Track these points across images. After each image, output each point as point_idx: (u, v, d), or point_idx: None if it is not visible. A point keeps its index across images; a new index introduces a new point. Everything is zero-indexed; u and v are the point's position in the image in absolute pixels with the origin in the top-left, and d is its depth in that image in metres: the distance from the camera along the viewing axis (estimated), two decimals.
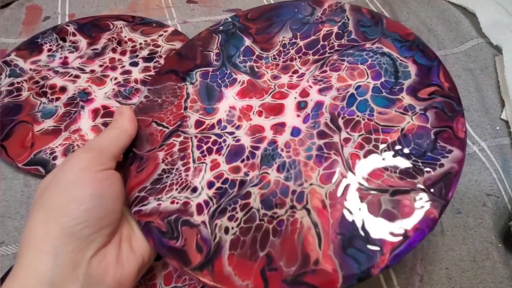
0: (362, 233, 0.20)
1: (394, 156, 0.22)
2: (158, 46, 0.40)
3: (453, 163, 0.21)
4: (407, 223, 0.20)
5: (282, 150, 0.25)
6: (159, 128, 0.27)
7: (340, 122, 0.25)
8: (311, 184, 0.23)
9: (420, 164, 0.22)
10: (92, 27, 0.42)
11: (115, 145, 0.25)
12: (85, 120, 0.34)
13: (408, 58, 0.26)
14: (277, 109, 0.27)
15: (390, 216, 0.21)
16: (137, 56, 0.39)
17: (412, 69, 0.26)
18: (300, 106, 0.26)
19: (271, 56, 0.29)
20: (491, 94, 0.40)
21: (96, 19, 0.43)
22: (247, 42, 0.31)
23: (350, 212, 0.21)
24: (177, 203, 0.24)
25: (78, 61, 0.39)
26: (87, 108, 0.35)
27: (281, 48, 0.30)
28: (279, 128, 0.26)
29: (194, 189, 0.24)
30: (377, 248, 0.20)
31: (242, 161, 0.25)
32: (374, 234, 0.20)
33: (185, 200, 0.24)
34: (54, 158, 0.32)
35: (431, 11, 0.48)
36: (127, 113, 0.27)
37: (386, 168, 0.22)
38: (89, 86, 0.37)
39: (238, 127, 0.26)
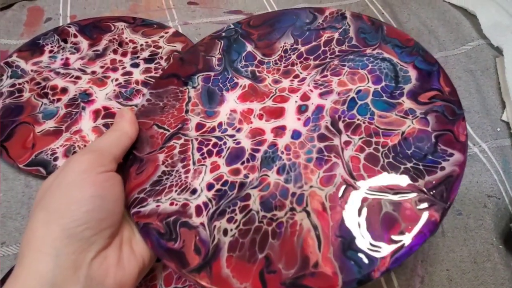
0: (362, 236, 0.20)
1: (394, 159, 0.23)
2: (159, 47, 0.41)
3: (454, 166, 0.21)
4: (408, 226, 0.20)
5: (282, 152, 0.25)
6: (160, 131, 0.27)
7: (341, 125, 0.25)
8: (311, 187, 0.23)
9: (421, 167, 0.22)
10: (93, 29, 0.42)
11: (116, 147, 0.25)
12: (86, 121, 0.34)
13: (409, 63, 0.27)
14: (278, 113, 0.27)
15: (391, 219, 0.20)
16: (138, 57, 0.40)
17: (413, 74, 0.26)
18: (301, 109, 0.26)
19: (272, 61, 0.30)
20: (492, 96, 0.40)
21: (97, 21, 0.43)
22: (249, 47, 0.31)
23: (351, 215, 0.21)
24: (176, 204, 0.24)
25: (79, 62, 0.39)
26: (88, 109, 0.35)
27: (282, 54, 0.30)
28: (279, 131, 0.26)
29: (194, 191, 0.24)
30: (378, 251, 0.20)
31: (242, 163, 0.25)
32: (374, 237, 0.20)
33: (184, 201, 0.24)
34: (55, 159, 0.32)
35: (432, 13, 0.48)
36: (128, 116, 0.27)
37: (387, 171, 0.22)
38: (90, 87, 0.37)
39: (238, 130, 0.26)
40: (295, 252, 0.21)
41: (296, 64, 0.29)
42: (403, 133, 0.23)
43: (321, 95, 0.27)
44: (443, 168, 0.21)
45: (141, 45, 0.41)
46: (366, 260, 0.20)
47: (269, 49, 0.30)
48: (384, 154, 0.23)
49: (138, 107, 0.29)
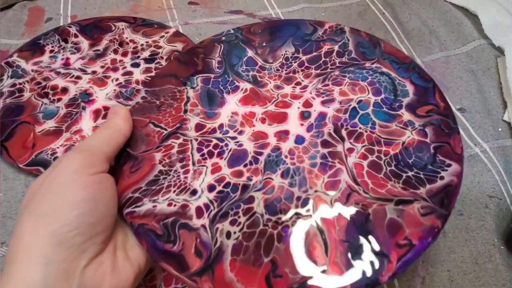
0: (369, 240, 0.21)
1: (396, 167, 0.23)
2: (160, 47, 0.41)
3: (452, 176, 0.23)
4: (412, 232, 0.21)
5: (286, 156, 0.25)
6: (157, 129, 0.27)
7: (343, 132, 0.25)
8: (316, 191, 0.23)
9: (422, 175, 0.23)
10: (94, 29, 0.42)
11: (108, 146, 0.23)
12: (86, 121, 0.34)
13: (406, 78, 0.28)
14: (281, 117, 0.27)
15: (396, 225, 0.21)
16: (138, 57, 0.40)
17: (410, 88, 0.27)
18: (304, 115, 0.27)
19: (274, 68, 0.30)
20: (493, 96, 0.40)
21: (98, 21, 0.43)
22: (250, 53, 0.31)
23: (356, 220, 0.21)
24: (175, 205, 0.23)
25: (80, 62, 0.39)
26: (88, 109, 0.35)
27: (283, 61, 0.30)
28: (282, 135, 0.26)
29: (194, 192, 0.23)
30: (385, 256, 0.20)
31: (245, 165, 0.24)
32: (380, 242, 0.20)
33: (183, 202, 0.23)
34: (55, 158, 0.32)
35: (433, 13, 0.48)
36: (122, 112, 0.26)
37: (389, 178, 0.23)
38: (90, 87, 0.37)
39: (240, 132, 0.26)
40: (301, 256, 0.21)
41: (298, 72, 0.29)
42: (403, 143, 0.24)
43: (323, 103, 0.27)
44: (442, 178, 0.23)
45: (142, 45, 0.41)
46: (373, 265, 0.20)
47: (271, 56, 0.31)
48: (387, 162, 0.24)
49: (132, 104, 0.28)
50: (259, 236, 0.21)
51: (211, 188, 0.24)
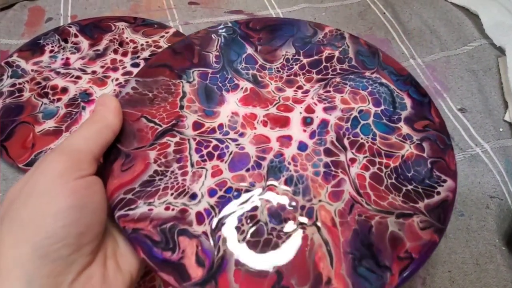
0: (372, 253, 0.21)
1: (397, 180, 0.24)
2: (160, 47, 0.40)
3: (448, 192, 0.23)
4: (413, 246, 0.21)
5: (289, 163, 0.24)
6: (150, 125, 0.25)
7: (346, 142, 0.25)
8: (320, 201, 0.23)
9: (420, 190, 0.23)
10: (94, 28, 0.42)
11: (96, 144, 0.21)
12: None
13: (404, 91, 0.28)
14: (283, 121, 0.26)
15: (397, 238, 0.21)
16: (138, 57, 0.39)
17: (408, 101, 0.27)
18: (306, 121, 0.26)
19: (274, 68, 0.29)
20: (494, 96, 0.39)
21: (98, 21, 0.43)
22: (249, 50, 0.30)
23: (360, 232, 0.21)
24: (173, 209, 0.22)
25: (80, 62, 0.39)
26: (88, 109, 0.35)
27: (284, 62, 0.30)
28: (285, 141, 0.25)
29: (193, 196, 0.22)
30: (387, 268, 0.20)
31: (247, 170, 0.24)
32: (383, 255, 0.21)
33: (182, 207, 0.22)
34: None
35: (434, 12, 0.48)
36: (112, 104, 0.23)
37: (390, 191, 0.23)
38: (90, 87, 0.37)
39: (241, 135, 0.25)
40: (307, 267, 0.20)
41: (299, 75, 0.29)
42: (403, 156, 0.25)
43: (325, 109, 0.27)
44: (439, 193, 0.23)
45: (142, 45, 0.41)
46: (376, 277, 0.20)
47: (271, 55, 0.30)
48: (387, 174, 0.24)
49: (122, 94, 0.26)
50: (263, 246, 0.21)
51: (211, 192, 0.23)
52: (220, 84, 0.28)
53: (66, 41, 0.41)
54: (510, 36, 0.42)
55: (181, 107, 0.26)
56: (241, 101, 0.27)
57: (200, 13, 0.47)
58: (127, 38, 0.41)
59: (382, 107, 0.27)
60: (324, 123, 0.26)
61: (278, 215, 0.22)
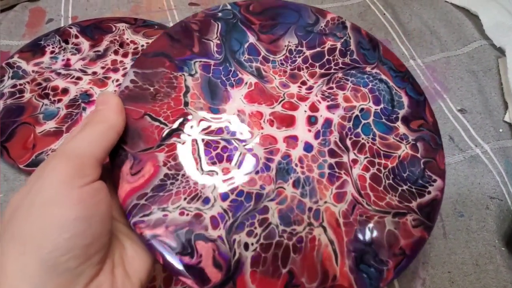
0: (372, 250, 0.22)
1: (394, 180, 0.25)
2: None
3: (437, 191, 0.25)
4: (406, 243, 0.23)
5: (296, 165, 0.24)
6: (155, 124, 0.23)
7: (348, 142, 0.26)
8: (325, 202, 0.23)
9: (414, 189, 0.25)
10: (94, 29, 0.42)
11: (99, 147, 0.19)
12: None
13: (401, 89, 0.28)
14: (289, 121, 0.26)
15: (393, 236, 0.23)
16: None
17: (405, 100, 0.28)
18: (311, 121, 0.26)
19: (278, 61, 0.29)
20: (494, 96, 0.39)
21: (98, 22, 0.43)
22: (251, 39, 0.29)
23: (361, 231, 0.23)
24: (188, 214, 0.21)
25: (80, 63, 0.39)
26: (88, 110, 0.35)
27: (287, 54, 0.29)
28: (291, 141, 0.25)
29: (206, 200, 0.22)
30: (385, 264, 0.22)
31: (257, 172, 0.23)
32: (381, 252, 0.23)
33: (196, 211, 0.21)
34: None
35: (434, 13, 0.48)
36: (114, 102, 0.21)
37: (387, 192, 0.24)
38: (91, 88, 0.37)
39: (249, 135, 0.25)
40: (315, 266, 0.22)
41: (303, 69, 0.28)
42: (399, 156, 0.26)
43: (328, 108, 0.27)
44: (429, 192, 0.25)
45: (142, 46, 0.41)
46: (376, 273, 0.22)
47: (273, 45, 0.29)
48: (385, 175, 0.25)
49: (121, 88, 0.24)
50: (275, 248, 0.22)
51: (224, 196, 0.22)
52: (224, 78, 0.27)
53: (66, 42, 0.41)
54: (510, 36, 0.43)
55: (186, 104, 0.25)
56: (246, 97, 0.26)
57: None
58: (127, 39, 0.41)
59: (382, 105, 0.27)
60: (328, 123, 0.26)
61: (288, 217, 0.23)
